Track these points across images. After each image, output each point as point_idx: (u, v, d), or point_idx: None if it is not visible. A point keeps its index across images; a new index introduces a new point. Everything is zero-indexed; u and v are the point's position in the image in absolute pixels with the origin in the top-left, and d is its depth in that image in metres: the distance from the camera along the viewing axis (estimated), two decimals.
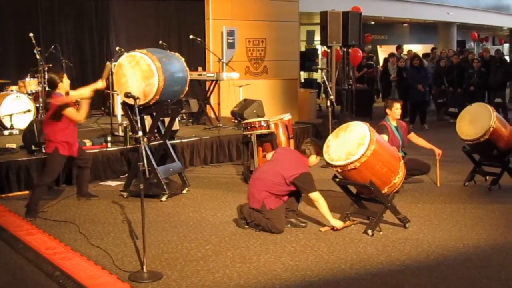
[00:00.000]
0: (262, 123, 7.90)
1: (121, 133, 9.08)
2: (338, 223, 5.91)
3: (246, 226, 6.04)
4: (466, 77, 14.18)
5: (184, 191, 7.60)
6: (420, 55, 16.18)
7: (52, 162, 6.65)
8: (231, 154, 9.81)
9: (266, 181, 5.92)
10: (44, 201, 6.95)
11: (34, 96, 9.92)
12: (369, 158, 5.68)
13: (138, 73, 6.98)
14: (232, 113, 9.90)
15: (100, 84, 6.80)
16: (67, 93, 6.65)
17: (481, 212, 6.63)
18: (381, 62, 19.54)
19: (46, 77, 8.71)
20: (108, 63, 7.40)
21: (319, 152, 6.05)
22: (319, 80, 18.67)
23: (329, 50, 13.14)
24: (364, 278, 4.78)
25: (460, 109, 8.70)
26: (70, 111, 6.51)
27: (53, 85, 6.60)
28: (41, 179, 6.80)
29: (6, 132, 9.44)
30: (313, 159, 6.08)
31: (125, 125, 8.76)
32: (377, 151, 5.73)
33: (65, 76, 6.65)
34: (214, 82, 11.07)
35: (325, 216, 5.90)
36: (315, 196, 5.87)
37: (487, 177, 7.97)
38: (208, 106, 11.32)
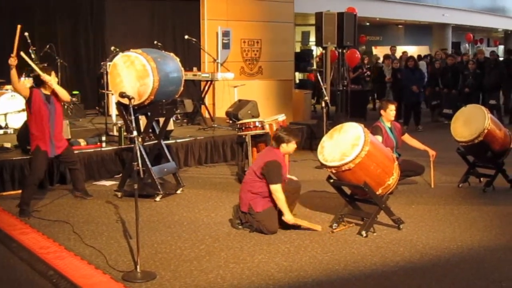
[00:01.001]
0: (257, 124, 7.90)
1: (115, 133, 9.07)
2: (290, 219, 5.80)
3: (240, 227, 6.04)
4: (461, 79, 14.22)
5: (178, 191, 7.59)
6: (415, 56, 16.23)
7: (34, 160, 6.62)
8: (226, 155, 9.80)
9: (246, 180, 6.00)
10: (38, 201, 6.95)
11: None
12: (363, 159, 5.68)
13: (133, 73, 6.97)
14: (227, 113, 9.91)
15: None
16: (52, 91, 6.56)
17: (475, 213, 6.64)
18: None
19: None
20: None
21: (289, 140, 5.95)
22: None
23: (324, 51, 13.16)
24: (357, 279, 4.79)
25: (455, 110, 8.72)
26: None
27: (38, 82, 6.54)
28: (27, 178, 6.77)
29: (0, 131, 9.40)
30: (284, 147, 5.98)
31: (119, 125, 8.74)
32: (372, 152, 5.74)
33: (53, 74, 6.57)
34: (209, 82, 11.06)
35: (281, 209, 5.83)
36: (275, 188, 5.77)
37: (481, 179, 7.98)
38: (202, 106, 11.31)
